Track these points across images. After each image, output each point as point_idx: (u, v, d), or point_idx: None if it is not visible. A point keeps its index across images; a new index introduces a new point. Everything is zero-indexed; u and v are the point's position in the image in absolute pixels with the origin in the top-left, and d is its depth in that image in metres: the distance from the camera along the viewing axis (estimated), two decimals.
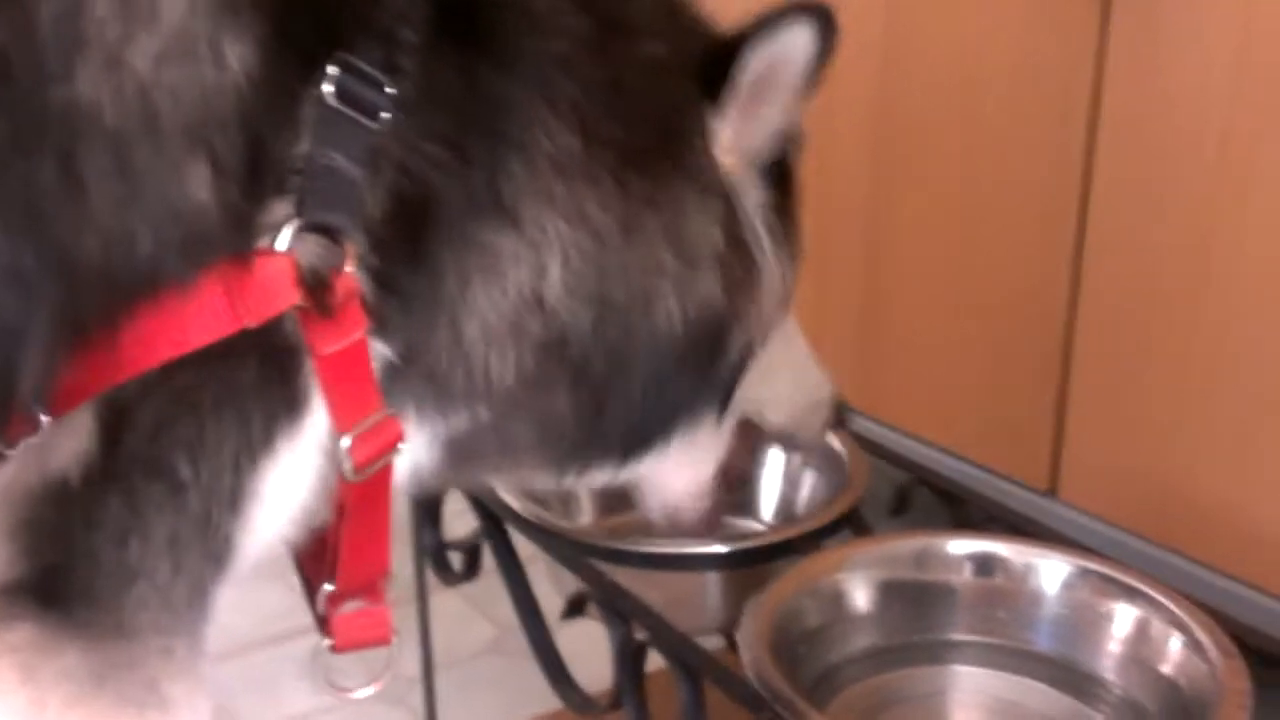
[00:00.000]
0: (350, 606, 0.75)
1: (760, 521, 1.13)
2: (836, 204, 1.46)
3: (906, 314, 1.43)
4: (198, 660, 0.67)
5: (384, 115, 0.64)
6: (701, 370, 0.82)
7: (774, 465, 1.13)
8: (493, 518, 1.02)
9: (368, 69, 0.64)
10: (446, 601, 1.50)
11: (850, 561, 0.87)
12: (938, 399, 1.41)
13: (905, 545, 0.87)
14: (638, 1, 0.77)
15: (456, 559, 1.10)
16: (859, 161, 1.44)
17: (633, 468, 0.87)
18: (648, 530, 1.13)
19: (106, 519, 0.62)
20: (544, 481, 0.90)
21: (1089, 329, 1.23)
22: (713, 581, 1.01)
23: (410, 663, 1.30)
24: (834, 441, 1.09)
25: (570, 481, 0.87)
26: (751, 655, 0.77)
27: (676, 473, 0.93)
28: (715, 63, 0.77)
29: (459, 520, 1.16)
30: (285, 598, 1.47)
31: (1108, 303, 1.21)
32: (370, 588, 0.75)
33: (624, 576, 1.00)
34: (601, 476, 0.87)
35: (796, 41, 0.76)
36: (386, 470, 0.71)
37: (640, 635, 0.85)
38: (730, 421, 0.92)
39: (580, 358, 0.76)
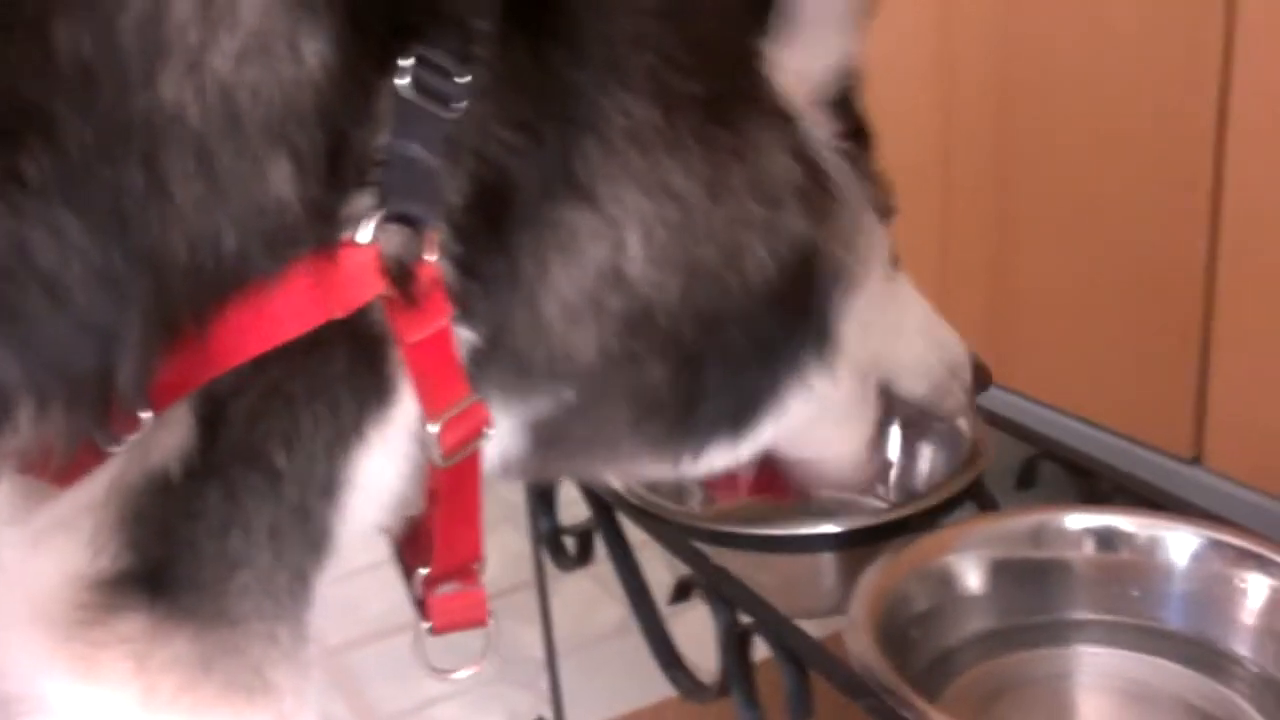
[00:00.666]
0: (446, 589, 0.76)
1: (879, 499, 1.11)
2: (962, 167, 1.43)
3: (1038, 281, 1.38)
4: (301, 646, 0.69)
5: (459, 105, 0.64)
6: (797, 313, 0.81)
7: (893, 440, 1.10)
8: (602, 504, 1.02)
9: (441, 60, 0.64)
10: (576, 584, 1.52)
11: (962, 541, 0.84)
12: (1073, 367, 1.35)
13: (1021, 522, 0.83)
14: None
15: (571, 544, 1.11)
16: (984, 124, 1.39)
17: (750, 440, 0.85)
18: (762, 515, 1.12)
19: (207, 510, 0.63)
20: (658, 470, 0.88)
21: (1229, 290, 1.16)
22: (828, 563, 0.98)
23: (537, 646, 1.32)
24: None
25: (687, 467, 0.86)
26: (856, 641, 0.74)
27: (827, 445, 0.92)
28: None
29: (578, 506, 1.17)
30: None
31: (1248, 262, 1.14)
32: (465, 571, 0.76)
33: (737, 561, 0.99)
34: (721, 457, 0.86)
35: None
36: (475, 455, 0.71)
37: (745, 620, 0.84)
38: (871, 385, 0.91)
39: (670, 328, 0.75)
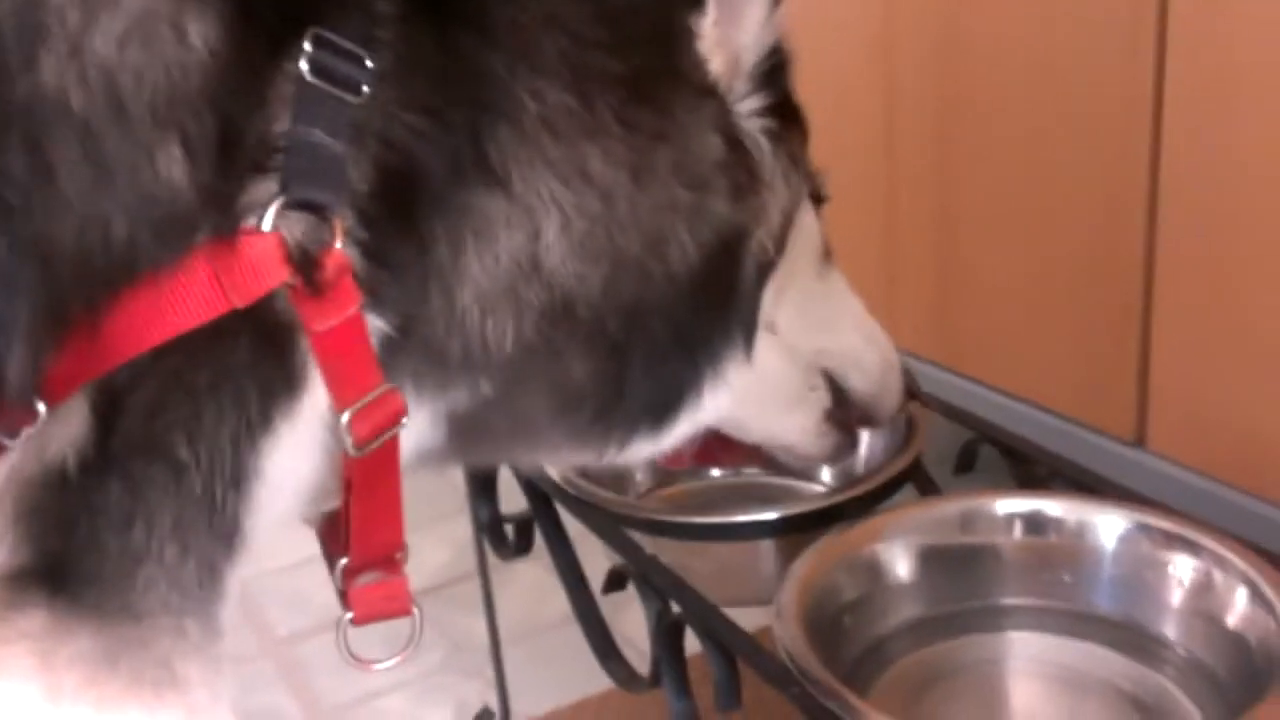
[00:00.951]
0: (367, 579, 0.75)
1: (820, 484, 1.10)
2: (906, 149, 1.42)
3: (982, 266, 1.37)
4: (214, 640, 0.67)
5: (364, 89, 0.63)
6: (721, 299, 0.80)
7: None
8: (540, 493, 1.00)
9: (345, 44, 0.62)
10: (528, 572, 1.51)
11: (891, 528, 0.83)
12: (1017, 352, 1.35)
13: (950, 507, 0.83)
14: None
15: (511, 534, 1.10)
16: (926, 114, 1.39)
17: (672, 432, 0.84)
18: (702, 503, 1.11)
19: (107, 504, 0.62)
20: (584, 459, 0.87)
21: (1168, 274, 1.16)
22: (766, 550, 0.98)
23: (485, 635, 1.31)
24: None
25: (613, 457, 0.84)
26: (784, 631, 0.73)
27: (777, 431, 0.92)
28: None
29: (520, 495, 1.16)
30: None
31: (1186, 245, 1.14)
32: (386, 561, 0.75)
33: (675, 550, 0.98)
34: (645, 447, 0.84)
35: None
36: (392, 444, 0.70)
37: (676, 610, 0.83)
38: (816, 374, 0.90)
39: (592, 320, 0.74)
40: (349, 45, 0.63)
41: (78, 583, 0.62)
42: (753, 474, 1.15)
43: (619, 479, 1.11)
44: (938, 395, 1.08)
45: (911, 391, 0.98)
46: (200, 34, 0.58)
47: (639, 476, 1.12)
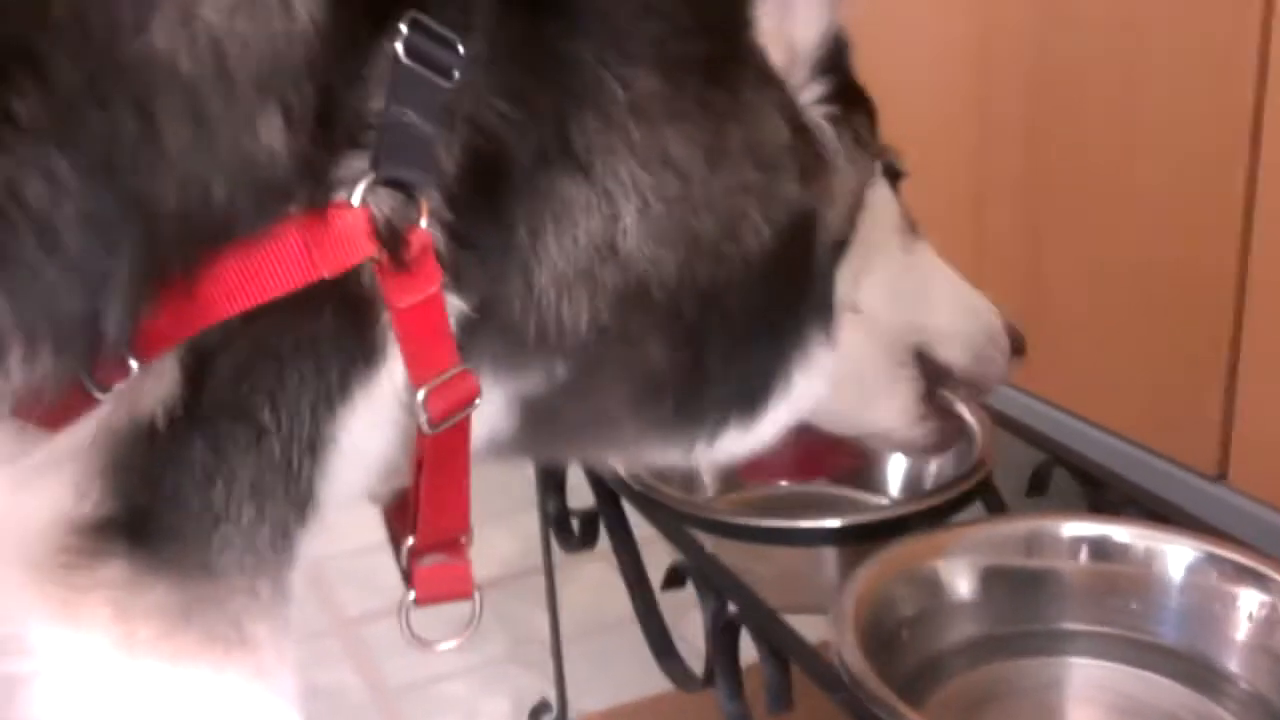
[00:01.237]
0: (432, 560, 0.76)
1: (886, 496, 1.10)
2: (996, 168, 1.41)
3: (1069, 289, 1.35)
4: (283, 604, 0.69)
5: (456, 74, 0.65)
6: (795, 282, 0.80)
7: None
8: (607, 489, 1.01)
9: (439, 29, 0.64)
10: (593, 570, 1.53)
11: (952, 545, 0.82)
12: (1101, 378, 1.33)
13: (1015, 528, 0.82)
14: None
15: (576, 528, 1.11)
16: (1017, 129, 1.38)
17: (765, 423, 0.83)
18: (769, 507, 1.11)
19: (191, 461, 0.64)
20: (670, 457, 0.86)
21: (1260, 306, 1.13)
22: (828, 557, 0.98)
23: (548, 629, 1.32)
24: (968, 417, 1.05)
25: (703, 453, 0.84)
26: (838, 638, 0.73)
27: (871, 418, 0.92)
28: None
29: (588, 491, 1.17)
30: None
31: (1276, 277, 1.11)
32: (451, 544, 0.76)
33: (737, 552, 0.99)
34: (738, 442, 0.84)
35: None
36: (464, 425, 0.71)
37: (733, 611, 0.83)
38: (905, 352, 0.90)
39: (668, 304, 0.74)
40: (443, 30, 0.64)
41: (158, 537, 0.64)
42: (822, 484, 1.15)
43: (688, 481, 1.12)
44: (1014, 416, 1.07)
45: (1019, 348, 0.96)
46: (305, 8, 0.60)
47: (708, 480, 1.13)
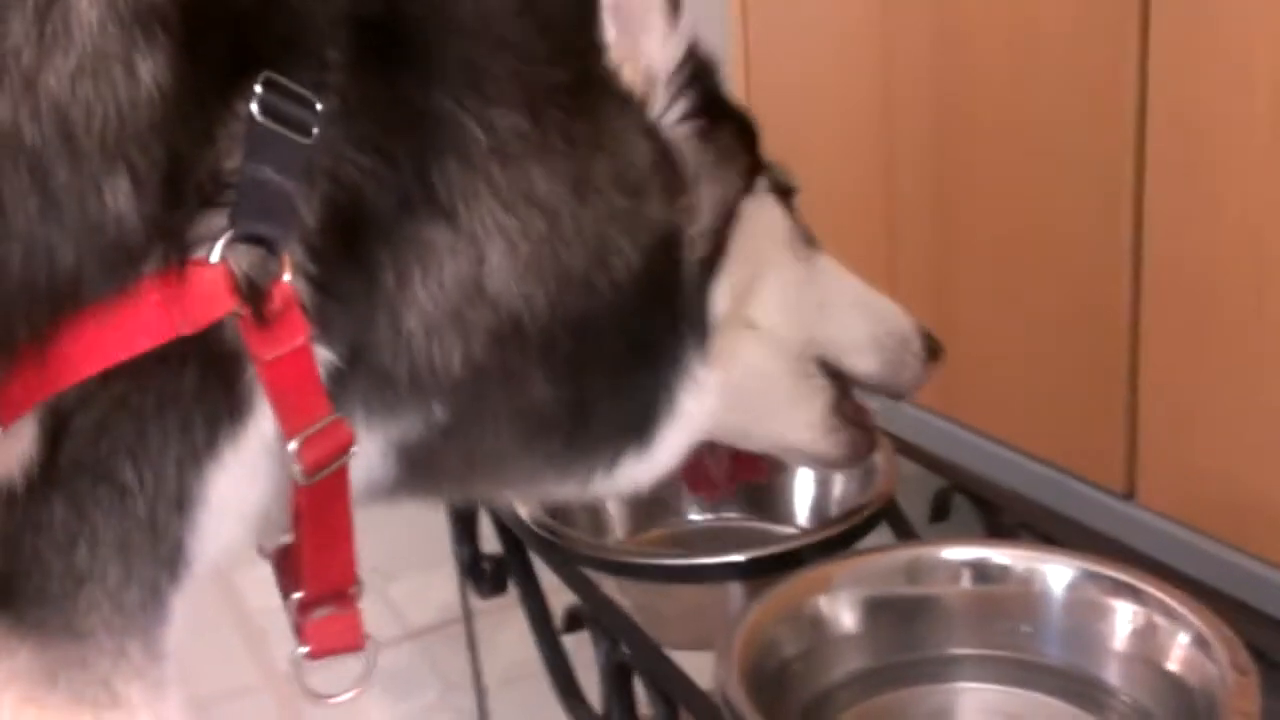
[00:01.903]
0: (321, 613, 0.76)
1: (794, 526, 1.10)
2: (902, 193, 1.44)
3: (975, 315, 1.38)
4: (157, 663, 0.68)
5: (314, 130, 0.65)
6: (666, 301, 0.80)
7: (805, 470, 1.10)
8: (509, 533, 1.01)
9: (295, 88, 0.65)
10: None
11: (836, 579, 0.82)
12: (1010, 400, 1.35)
13: (895, 557, 0.82)
14: None
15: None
16: (923, 154, 1.41)
17: (661, 447, 0.83)
18: (684, 545, 1.12)
19: (52, 522, 0.64)
20: (570, 489, 0.86)
21: (1155, 325, 1.16)
22: (735, 593, 0.98)
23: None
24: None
25: (602, 483, 0.84)
26: (725, 680, 0.73)
27: (783, 431, 0.91)
28: None
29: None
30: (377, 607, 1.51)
31: (1172, 295, 1.14)
32: (339, 595, 0.75)
33: (642, 592, 0.99)
34: (637, 470, 0.84)
35: None
36: (341, 475, 0.71)
37: (626, 652, 0.83)
38: (810, 363, 0.90)
39: (543, 339, 0.75)
40: (299, 89, 0.65)
41: (20, 600, 0.64)
42: (734, 518, 1.15)
43: (597, 523, 1.12)
44: (913, 440, 1.08)
45: (934, 352, 0.95)
46: (150, 72, 0.60)
47: (616, 521, 1.13)
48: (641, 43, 0.80)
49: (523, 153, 0.72)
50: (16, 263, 0.59)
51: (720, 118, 0.85)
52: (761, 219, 0.88)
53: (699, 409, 0.83)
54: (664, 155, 0.81)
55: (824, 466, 1.01)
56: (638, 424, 0.82)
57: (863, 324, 0.93)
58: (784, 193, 0.92)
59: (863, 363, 0.92)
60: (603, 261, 0.76)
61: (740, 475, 1.00)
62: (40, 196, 0.59)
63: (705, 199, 0.83)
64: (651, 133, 0.81)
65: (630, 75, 0.80)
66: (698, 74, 0.84)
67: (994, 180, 1.32)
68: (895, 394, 0.95)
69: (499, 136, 0.72)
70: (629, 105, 0.80)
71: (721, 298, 0.83)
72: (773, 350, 0.88)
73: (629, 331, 0.78)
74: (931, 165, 1.40)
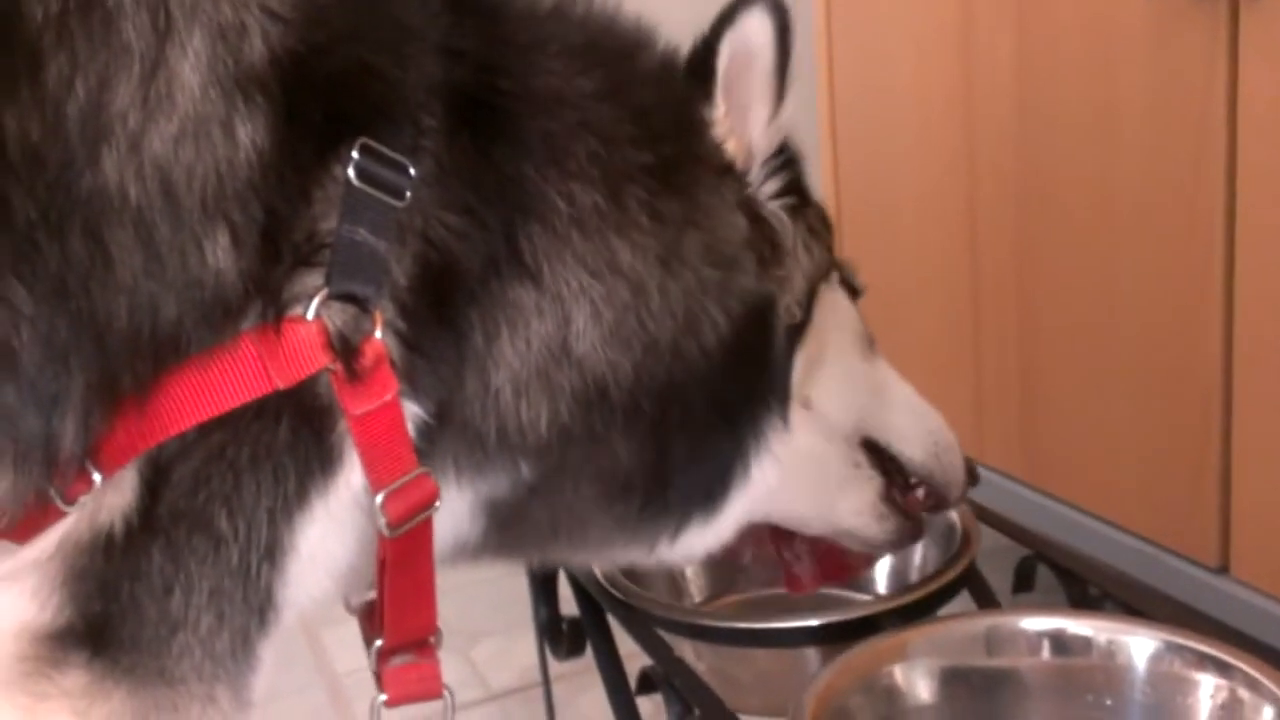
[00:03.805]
0: (400, 661, 0.77)
1: (873, 594, 1.09)
2: (988, 269, 1.43)
3: (1062, 384, 1.36)
4: (243, 710, 0.70)
5: (407, 194, 0.68)
6: (755, 365, 0.83)
7: None
8: (587, 596, 1.02)
9: (390, 153, 0.68)
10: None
11: (912, 647, 0.81)
12: (1100, 472, 1.33)
13: (974, 625, 0.81)
14: (619, 28, 0.83)
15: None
16: (1006, 231, 1.40)
17: (725, 516, 0.85)
18: (760, 610, 1.11)
19: (149, 570, 0.66)
20: (636, 554, 0.88)
21: (1247, 395, 1.14)
22: (810, 659, 0.97)
23: None
24: (950, 512, 1.05)
25: (665, 551, 0.86)
26: None
27: (835, 514, 0.93)
28: (696, 59, 0.84)
29: None
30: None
31: (1264, 367, 1.12)
32: (419, 644, 0.77)
33: (717, 656, 0.98)
34: (699, 538, 0.86)
35: (754, 24, 0.83)
36: (425, 528, 0.73)
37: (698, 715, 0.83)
38: (858, 448, 0.92)
39: (627, 403, 0.77)
40: (394, 155, 0.68)
41: (117, 645, 0.66)
42: None
43: (674, 586, 1.13)
44: (999, 510, 1.07)
45: (971, 475, 0.98)
46: (248, 135, 0.64)
47: (693, 585, 1.13)
48: (747, 119, 0.85)
49: (601, 227, 0.75)
50: (123, 315, 0.62)
51: (808, 200, 0.90)
52: (834, 306, 0.91)
53: (764, 479, 0.85)
54: (759, 227, 0.85)
55: (872, 550, 1.01)
56: (711, 489, 0.84)
57: (913, 418, 0.96)
58: (852, 291, 0.95)
59: (909, 450, 0.94)
60: (692, 330, 0.78)
61: (829, 575, 1.01)
62: (144, 252, 0.62)
63: (797, 269, 0.86)
64: (748, 205, 0.84)
65: (733, 149, 0.84)
66: (790, 160, 0.88)
67: (1079, 250, 1.31)
68: (941, 498, 0.97)
69: (579, 208, 0.74)
70: (727, 179, 0.84)
71: (798, 369, 0.86)
72: (824, 432, 0.90)
73: (716, 396, 0.80)
74: (1015, 235, 1.39)
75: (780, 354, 0.85)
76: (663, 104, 0.81)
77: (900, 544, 0.96)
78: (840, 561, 0.98)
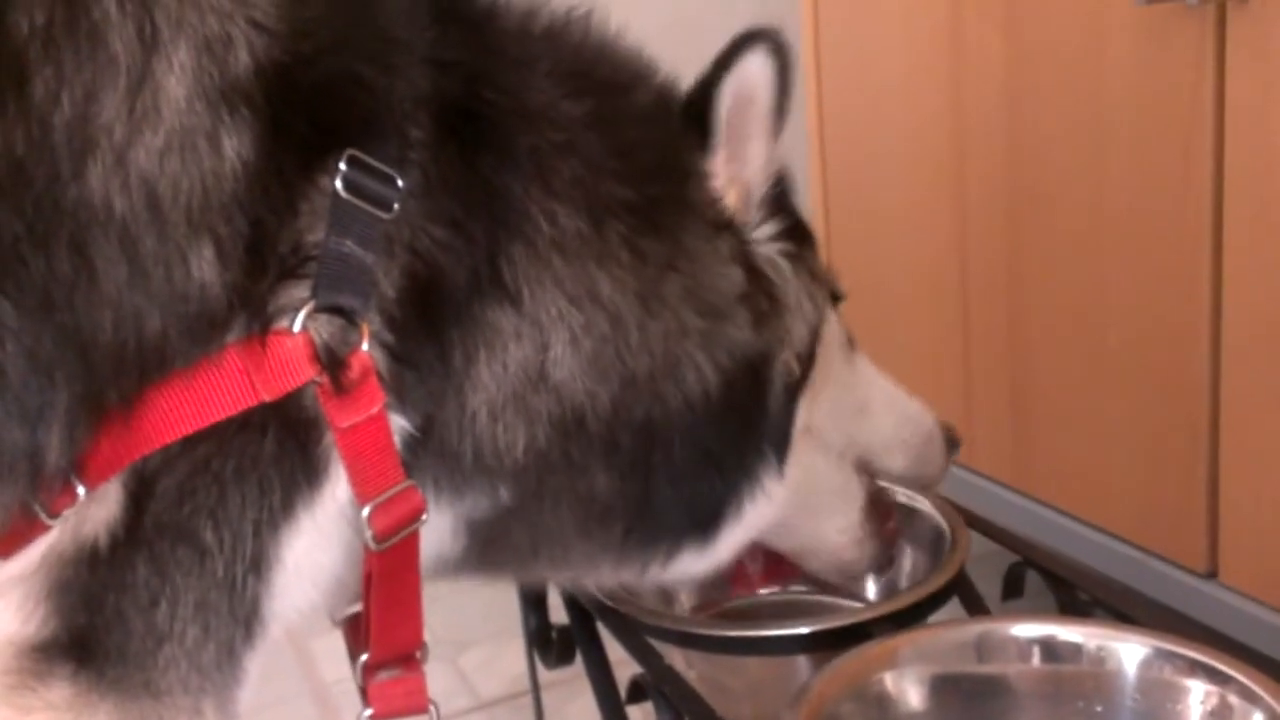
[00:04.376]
0: (386, 675, 0.77)
1: (863, 600, 1.09)
2: (978, 269, 1.44)
3: (1052, 390, 1.36)
4: None
5: (395, 206, 0.68)
6: (748, 420, 0.82)
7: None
8: (576, 604, 1.02)
9: (378, 165, 0.68)
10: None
11: (902, 654, 0.81)
12: (1088, 478, 1.33)
13: (964, 632, 0.81)
14: (617, 57, 0.82)
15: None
16: (996, 235, 1.40)
17: (721, 545, 0.86)
18: (750, 618, 1.11)
19: (134, 582, 0.66)
20: (627, 575, 0.89)
21: (1236, 401, 1.14)
22: (801, 666, 0.97)
23: None
24: (939, 519, 1.05)
25: (657, 573, 0.87)
26: None
27: (820, 535, 0.94)
28: (694, 104, 0.83)
29: None
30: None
31: (1253, 373, 1.12)
32: (405, 659, 0.77)
33: (708, 664, 0.98)
34: (695, 563, 0.87)
35: (755, 67, 0.81)
36: (412, 541, 0.73)
37: None
38: (849, 465, 0.93)
39: (606, 436, 0.77)
40: (382, 167, 0.68)
41: (102, 658, 0.66)
42: (802, 591, 1.14)
43: (664, 594, 1.12)
44: (988, 516, 1.07)
45: (953, 441, 1.00)
46: (234, 147, 0.63)
47: (684, 593, 1.13)
48: (745, 159, 0.84)
49: (582, 253, 0.75)
50: (108, 328, 0.62)
51: (804, 236, 0.89)
52: (828, 330, 0.91)
53: (761, 514, 0.86)
54: (758, 281, 0.84)
55: (847, 573, 1.02)
56: (700, 524, 0.84)
57: (894, 427, 0.97)
58: (834, 299, 0.95)
59: (892, 462, 0.97)
60: (673, 375, 0.78)
61: (776, 574, 1.03)
62: (129, 266, 0.62)
63: (798, 324, 0.86)
64: (745, 259, 0.83)
65: (730, 199, 0.83)
66: (784, 192, 0.87)
67: (1068, 255, 1.31)
68: (920, 486, 1.00)
69: (561, 231, 0.74)
70: (723, 231, 0.83)
71: (802, 412, 0.86)
72: (824, 452, 0.91)
73: (701, 443, 0.80)
74: (1005, 240, 1.40)
75: (778, 407, 0.84)
76: (650, 143, 0.80)
77: (875, 569, 0.99)
78: (788, 561, 1.00)
